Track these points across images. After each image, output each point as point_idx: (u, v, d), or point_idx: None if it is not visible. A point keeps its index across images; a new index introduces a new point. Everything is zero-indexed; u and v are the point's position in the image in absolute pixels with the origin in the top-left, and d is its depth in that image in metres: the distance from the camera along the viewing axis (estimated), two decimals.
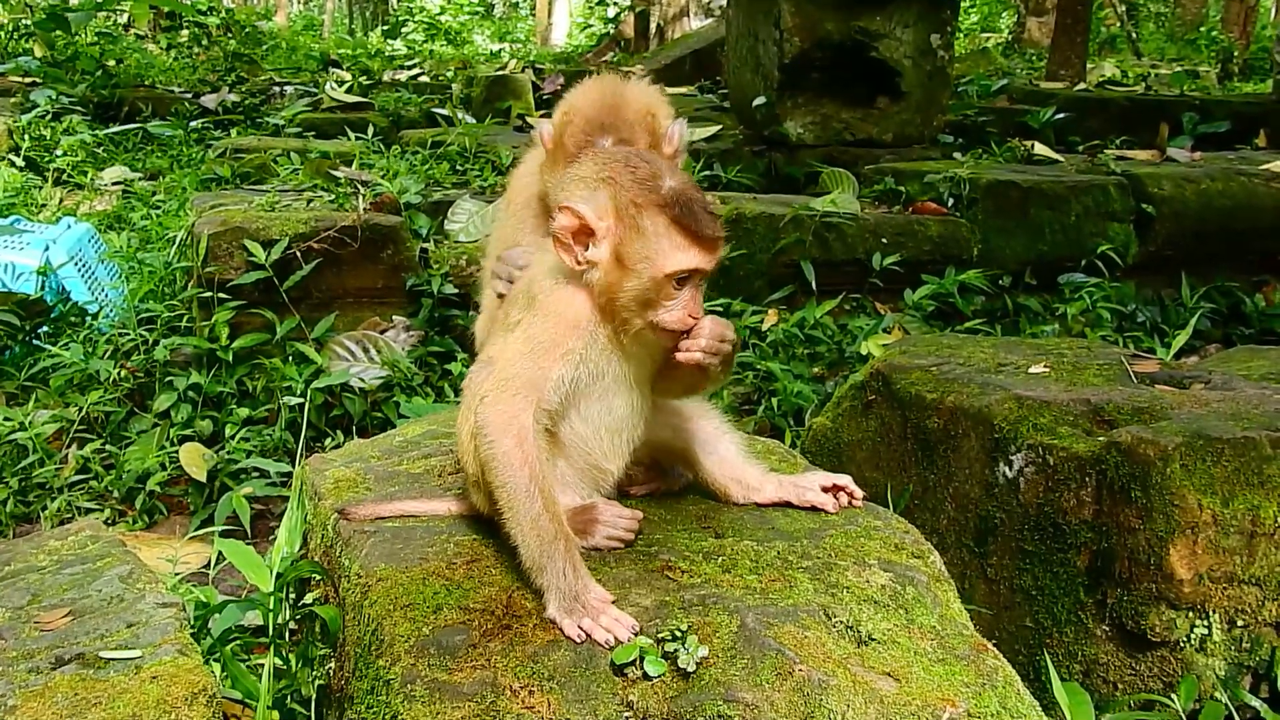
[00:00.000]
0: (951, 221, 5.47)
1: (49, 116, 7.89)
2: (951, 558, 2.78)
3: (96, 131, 7.77)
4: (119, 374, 4.23)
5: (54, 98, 8.13)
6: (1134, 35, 20.39)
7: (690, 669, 1.72)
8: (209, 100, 8.77)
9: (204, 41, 13.05)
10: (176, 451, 3.89)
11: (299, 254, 4.45)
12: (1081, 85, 10.45)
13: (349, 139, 6.65)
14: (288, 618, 2.40)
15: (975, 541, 2.82)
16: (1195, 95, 9.61)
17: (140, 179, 7.16)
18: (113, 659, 1.88)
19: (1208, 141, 7.79)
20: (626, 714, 1.69)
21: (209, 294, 4.38)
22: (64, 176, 7.29)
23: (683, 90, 10.55)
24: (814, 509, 2.26)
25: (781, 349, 4.74)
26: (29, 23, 10.22)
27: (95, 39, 11.01)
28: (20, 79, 9.13)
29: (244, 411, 4.15)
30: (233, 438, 4.03)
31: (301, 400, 4.13)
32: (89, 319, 4.85)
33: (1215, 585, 2.46)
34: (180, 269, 4.94)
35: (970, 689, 1.77)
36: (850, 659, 1.78)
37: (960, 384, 2.98)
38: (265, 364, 4.33)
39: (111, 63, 9.94)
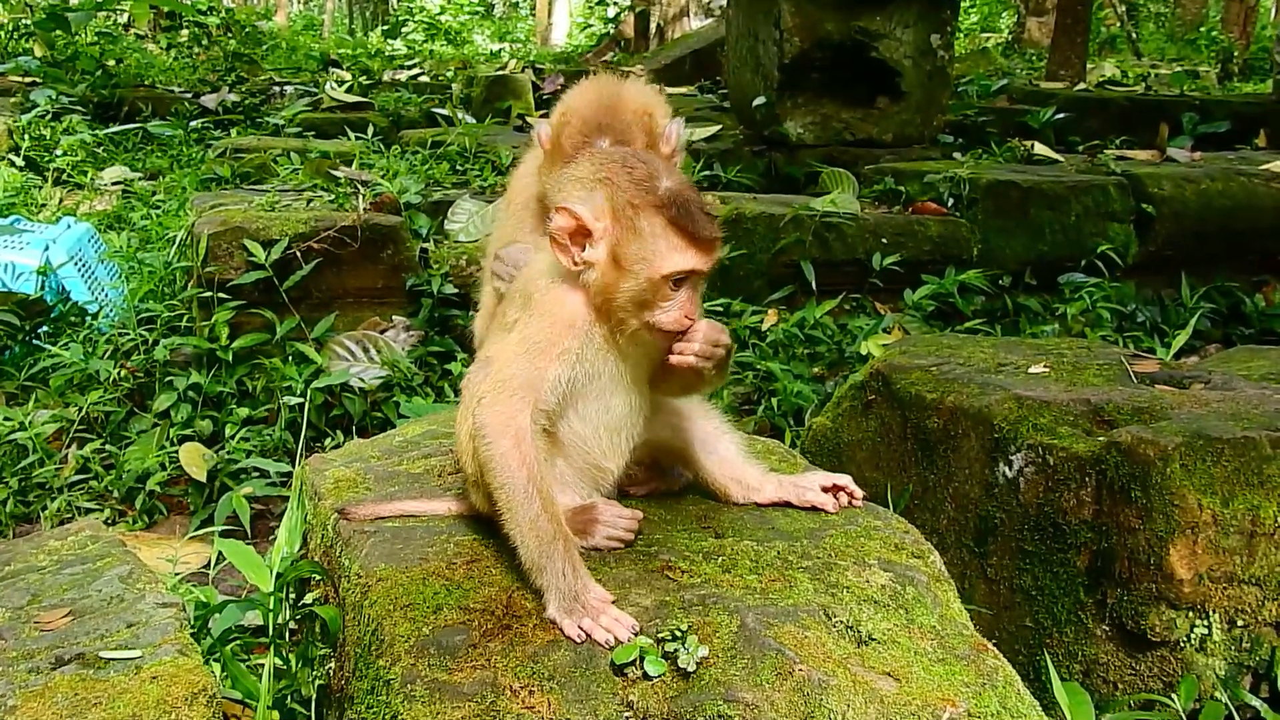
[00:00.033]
0: (951, 221, 5.47)
1: (49, 116, 7.89)
2: (951, 558, 2.78)
3: (96, 131, 7.77)
4: (119, 374, 4.23)
5: (54, 97, 8.13)
6: (1134, 35, 20.39)
7: (690, 669, 1.72)
8: (209, 100, 8.77)
9: (204, 41, 13.05)
10: (176, 451, 3.89)
11: (299, 254, 4.45)
12: (1081, 85, 10.45)
13: (349, 139, 6.65)
14: (288, 618, 2.40)
15: (975, 541, 2.82)
16: (1195, 95, 9.61)
17: (140, 179, 7.16)
18: (113, 659, 1.88)
19: (1208, 141, 7.79)
20: (626, 714, 1.69)
21: (209, 294, 4.38)
22: (64, 176, 7.29)
23: (683, 90, 10.56)
24: (814, 509, 2.26)
25: (781, 349, 4.74)
26: (29, 22, 10.22)
27: (95, 39, 11.01)
28: (20, 79, 9.13)
29: (244, 411, 4.15)
30: (233, 438, 4.03)
31: (301, 400, 4.13)
32: (89, 319, 4.85)
33: (1215, 585, 2.46)
34: (180, 269, 4.94)
35: (970, 689, 1.77)
36: (850, 659, 1.78)
37: (960, 384, 2.98)
38: (265, 364, 4.33)
39: (111, 62, 9.94)
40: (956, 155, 6.50)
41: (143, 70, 10.77)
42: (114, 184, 7.15)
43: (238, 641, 2.42)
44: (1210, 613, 2.47)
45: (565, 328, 1.99)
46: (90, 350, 4.37)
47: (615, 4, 24.60)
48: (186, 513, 3.87)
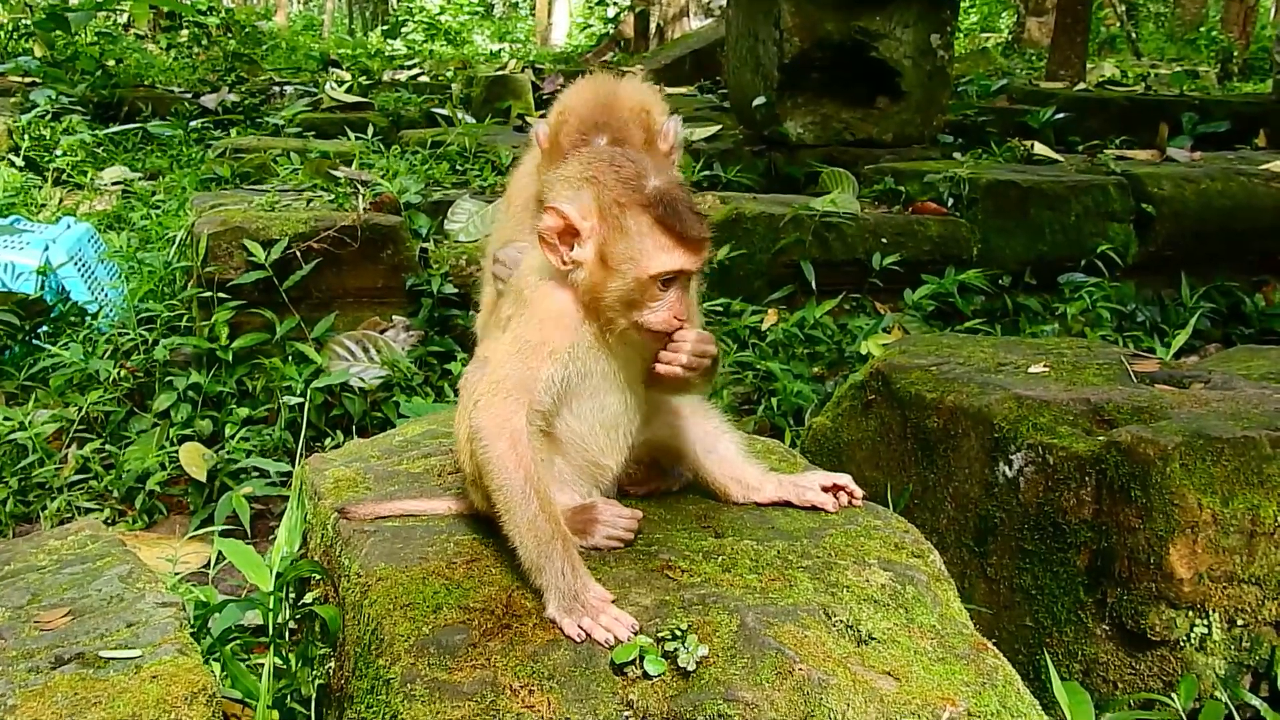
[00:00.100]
0: (951, 221, 5.47)
1: (49, 116, 7.89)
2: (951, 557, 2.78)
3: (96, 131, 7.77)
4: (119, 374, 4.23)
5: (54, 97, 8.13)
6: (1134, 35, 20.39)
7: (690, 668, 1.72)
8: (209, 100, 8.77)
9: (204, 41, 13.05)
10: (176, 451, 3.89)
11: (299, 254, 4.45)
12: (1081, 85, 10.45)
13: (349, 139, 6.65)
14: (287, 617, 2.40)
15: (975, 541, 2.82)
16: (1195, 95, 9.61)
17: (140, 179, 7.16)
18: (112, 658, 1.88)
19: (1207, 141, 7.79)
20: (626, 713, 1.69)
21: (209, 294, 4.38)
22: (64, 176, 7.29)
23: (683, 90, 10.56)
24: (814, 508, 2.26)
25: (781, 349, 4.74)
26: (29, 22, 10.22)
27: (95, 39, 11.01)
28: (20, 79, 9.13)
29: (244, 411, 4.15)
30: (232, 437, 4.03)
31: (301, 400, 4.13)
32: (89, 319, 4.85)
33: (1215, 584, 2.46)
34: (180, 269, 4.94)
35: (970, 688, 1.77)
36: (850, 658, 1.78)
37: (960, 383, 2.98)
38: (265, 364, 4.33)
39: (111, 63, 9.95)
40: (956, 155, 6.51)
41: (142, 70, 10.77)
42: (114, 184, 7.15)
43: (237, 641, 2.42)
44: (1210, 612, 2.47)
45: (555, 326, 1.99)
46: (90, 350, 4.37)
47: (615, 4, 24.60)
48: (186, 512, 3.87)
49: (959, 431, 2.87)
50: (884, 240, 5.27)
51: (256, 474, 3.88)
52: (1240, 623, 2.50)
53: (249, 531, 3.38)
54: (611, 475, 2.17)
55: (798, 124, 6.90)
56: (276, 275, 4.39)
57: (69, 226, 5.29)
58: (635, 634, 1.78)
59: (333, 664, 2.19)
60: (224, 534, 2.92)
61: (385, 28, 29.36)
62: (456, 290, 4.64)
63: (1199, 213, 5.66)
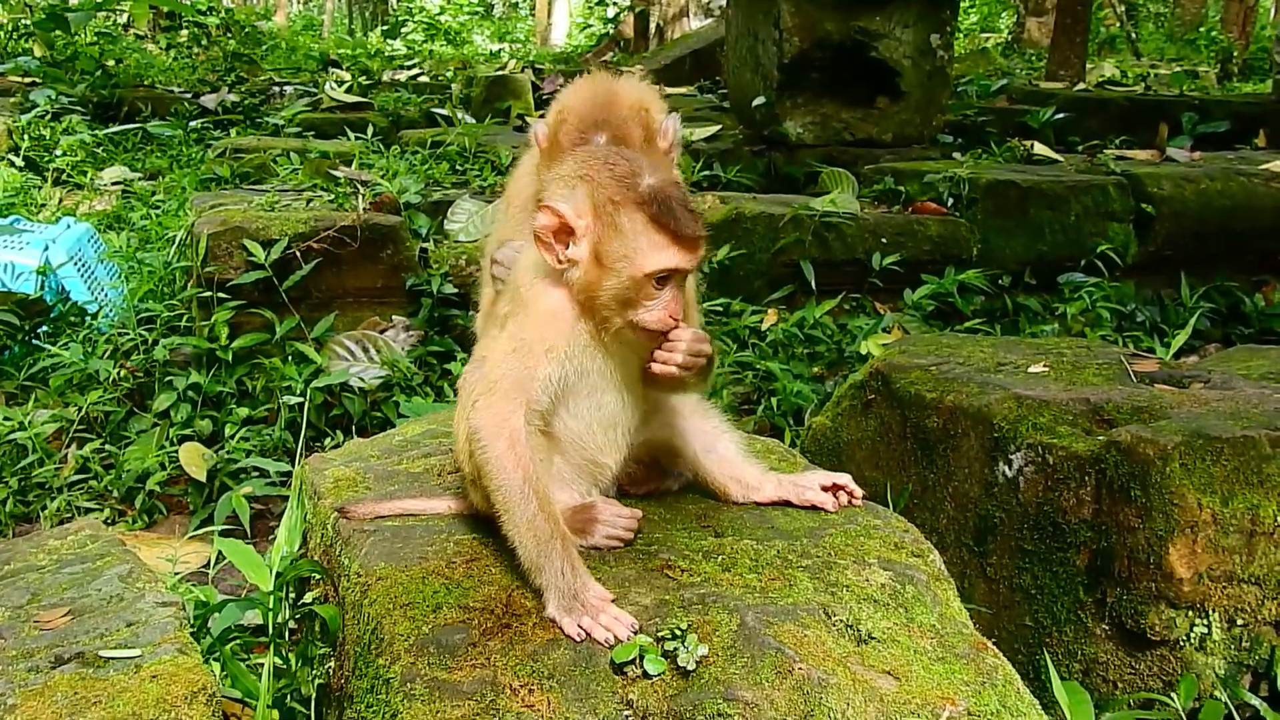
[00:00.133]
0: (951, 221, 5.47)
1: (48, 116, 7.89)
2: (951, 557, 2.78)
3: (96, 131, 7.77)
4: (118, 374, 4.23)
5: (53, 98, 8.13)
6: (1133, 35, 20.39)
7: (690, 667, 1.72)
8: (208, 100, 8.78)
9: (203, 41, 13.06)
10: (176, 451, 3.89)
11: (298, 254, 4.45)
12: (1081, 85, 10.45)
13: (349, 139, 6.66)
14: (287, 617, 2.39)
15: (975, 540, 2.82)
16: (1195, 95, 9.62)
17: (140, 179, 7.16)
18: (112, 658, 1.88)
19: (1207, 141, 7.80)
20: (626, 713, 1.69)
21: (208, 294, 4.38)
22: (63, 176, 7.29)
23: (682, 90, 10.56)
24: (813, 508, 2.26)
25: (781, 349, 4.74)
26: (29, 22, 10.22)
27: (95, 39, 11.01)
28: (20, 79, 9.13)
29: (243, 411, 4.15)
30: (232, 437, 4.03)
31: (301, 400, 4.13)
32: (88, 319, 4.85)
33: (1215, 584, 2.46)
34: (180, 269, 4.94)
35: (970, 687, 1.77)
36: (850, 657, 1.78)
37: (960, 383, 2.98)
38: (265, 364, 4.33)
39: (111, 63, 9.95)
40: (956, 155, 6.51)
41: (142, 70, 10.78)
42: (113, 184, 7.15)
43: (237, 641, 2.42)
44: (1210, 612, 2.47)
45: (551, 325, 1.99)
46: (90, 350, 4.37)
47: (615, 4, 24.60)
48: (186, 512, 3.87)
49: (959, 431, 2.87)
50: (884, 240, 5.27)
51: (256, 474, 3.88)
52: (1240, 622, 2.50)
53: (249, 531, 3.37)
54: (610, 474, 2.17)
55: (797, 124, 6.90)
56: (276, 275, 4.39)
57: (69, 226, 5.29)
58: (635, 633, 1.78)
59: (332, 663, 2.19)
60: (224, 534, 2.92)
61: (385, 28, 29.36)
62: (456, 290, 4.64)
63: (1199, 213, 5.67)
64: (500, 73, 10.78)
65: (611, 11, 24.93)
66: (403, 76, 12.04)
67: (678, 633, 1.76)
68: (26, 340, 4.64)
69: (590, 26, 26.53)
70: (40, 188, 7.16)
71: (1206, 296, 5.50)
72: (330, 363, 4.37)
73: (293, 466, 3.79)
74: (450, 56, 18.33)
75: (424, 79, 11.90)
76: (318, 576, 2.36)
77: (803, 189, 6.40)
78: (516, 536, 1.91)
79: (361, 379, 4.30)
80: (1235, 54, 16.91)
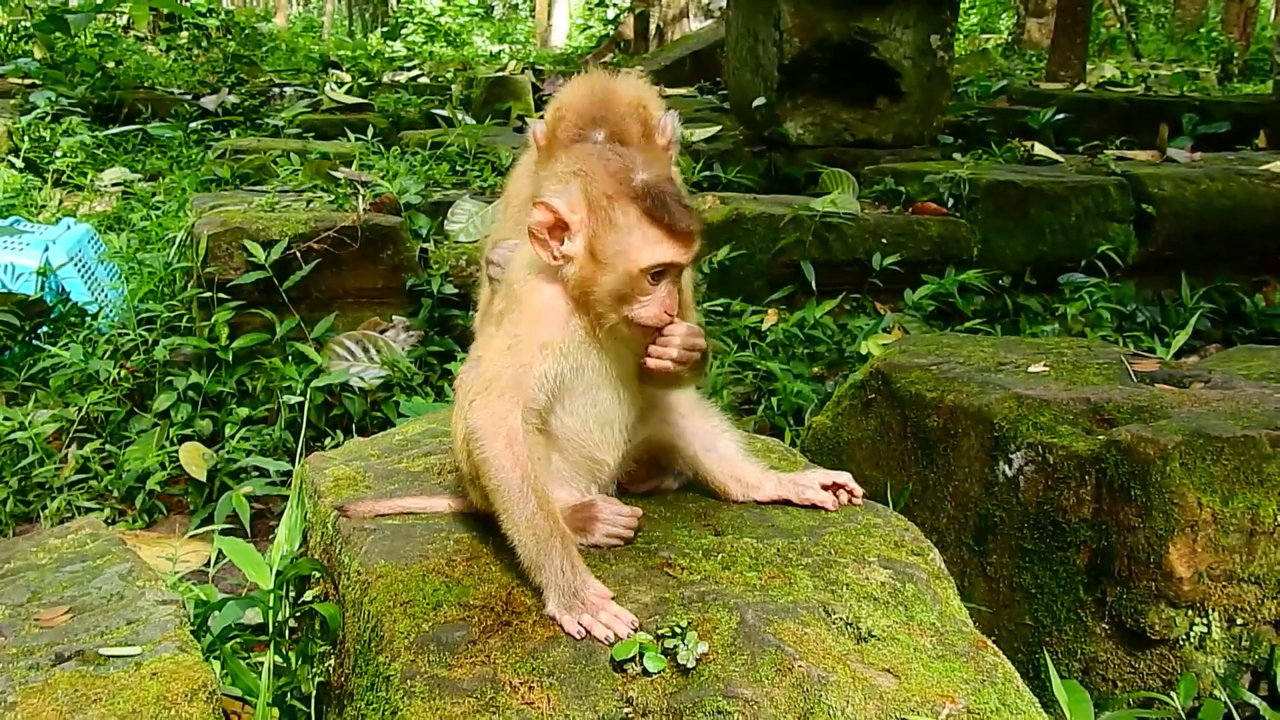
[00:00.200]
0: (951, 222, 5.47)
1: (49, 118, 7.90)
2: (951, 555, 2.78)
3: (96, 133, 7.78)
4: (119, 374, 4.24)
5: (53, 99, 8.13)
6: (1134, 36, 20.40)
7: (690, 665, 1.72)
8: (208, 102, 8.79)
9: (203, 43, 13.07)
10: (176, 451, 3.89)
11: (299, 254, 4.45)
12: (1081, 86, 10.46)
13: (349, 140, 6.66)
14: (287, 615, 2.39)
15: (975, 539, 2.82)
16: (1195, 96, 9.62)
17: (140, 180, 7.17)
18: (113, 656, 1.88)
19: (1208, 142, 7.80)
20: (626, 710, 1.69)
21: (209, 294, 4.38)
22: (64, 178, 7.30)
23: (683, 91, 10.56)
24: (814, 507, 2.26)
25: (781, 349, 4.74)
26: (28, 24, 10.23)
27: (95, 41, 11.01)
28: (20, 80, 9.14)
29: (244, 411, 4.15)
30: (232, 437, 4.03)
31: (301, 400, 4.13)
32: (89, 319, 4.86)
33: (1215, 583, 2.46)
34: (180, 269, 4.94)
35: (970, 685, 1.77)
36: (850, 655, 1.78)
37: (960, 383, 2.98)
38: (265, 364, 4.33)
39: (111, 64, 9.96)
40: (956, 156, 6.51)
41: (142, 72, 10.78)
42: (114, 185, 7.16)
43: (238, 639, 2.42)
44: (1210, 611, 2.47)
45: (546, 321, 1.98)
46: (90, 350, 4.37)
47: (615, 5, 24.60)
48: (186, 512, 3.87)
49: (959, 430, 2.88)
50: (884, 240, 5.27)
51: (256, 473, 3.88)
52: (1240, 622, 2.50)
53: (249, 530, 3.37)
54: (609, 471, 2.17)
55: (798, 125, 6.90)
56: (276, 276, 4.39)
57: (69, 227, 5.29)
58: (635, 631, 1.78)
59: (333, 661, 2.19)
60: (224, 533, 2.92)
61: (385, 29, 29.37)
62: (456, 290, 4.65)
63: (1199, 213, 5.67)
64: (500, 74, 10.79)
65: (611, 13, 24.92)
66: (403, 78, 12.05)
67: (678, 630, 1.76)
68: (27, 341, 4.65)
69: (590, 28, 26.54)
70: (40, 189, 7.16)
71: (1207, 297, 5.50)
72: (330, 363, 4.37)
73: (293, 466, 3.79)
74: (450, 58, 18.34)
75: (424, 80, 11.91)
76: (318, 575, 2.36)
77: (803, 189, 6.40)
78: (515, 535, 1.91)
79: (362, 379, 4.30)
80: (1236, 55, 16.92)
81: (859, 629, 1.84)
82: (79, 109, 8.23)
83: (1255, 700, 2.48)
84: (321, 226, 4.54)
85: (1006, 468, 2.73)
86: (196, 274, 4.46)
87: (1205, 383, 3.00)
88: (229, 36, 13.20)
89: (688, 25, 17.35)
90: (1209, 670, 2.49)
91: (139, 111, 8.43)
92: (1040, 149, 6.46)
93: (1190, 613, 2.47)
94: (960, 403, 2.89)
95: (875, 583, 1.97)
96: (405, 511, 2.28)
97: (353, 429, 4.18)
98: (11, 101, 8.39)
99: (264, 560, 2.33)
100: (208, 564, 3.23)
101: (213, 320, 4.31)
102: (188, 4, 12.50)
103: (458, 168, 6.10)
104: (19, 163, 7.34)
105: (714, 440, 2.27)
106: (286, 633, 2.40)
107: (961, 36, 19.96)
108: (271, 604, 2.28)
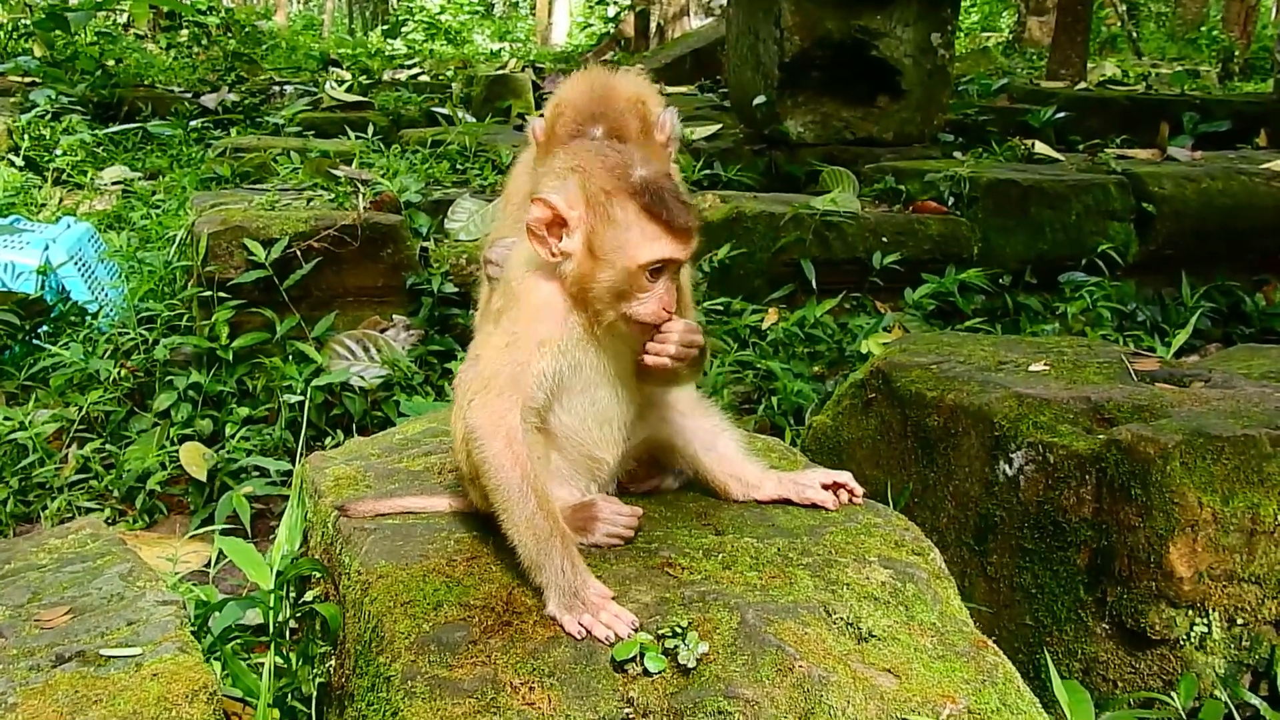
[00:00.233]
0: (952, 220, 5.46)
1: (48, 116, 7.90)
2: (951, 555, 2.78)
3: (96, 131, 7.77)
4: (119, 373, 4.23)
5: (53, 97, 8.13)
6: (1135, 35, 20.39)
7: (690, 665, 1.72)
8: (209, 100, 8.78)
9: (204, 41, 13.05)
10: (176, 451, 3.89)
11: (299, 253, 4.45)
12: (1082, 84, 10.45)
13: (349, 138, 6.66)
14: (288, 615, 2.39)
15: (975, 539, 2.82)
16: (1196, 95, 9.61)
17: (140, 178, 7.16)
18: (113, 656, 1.88)
19: (1208, 141, 7.79)
20: (627, 710, 1.69)
21: (209, 293, 4.38)
22: (64, 176, 7.29)
23: (683, 89, 10.56)
24: (814, 506, 2.26)
25: (781, 348, 4.74)
26: (28, 22, 10.22)
27: (95, 39, 11.01)
28: (20, 78, 9.13)
29: (244, 410, 4.15)
30: (233, 437, 4.03)
31: (301, 399, 4.13)
32: (89, 318, 4.86)
33: (1215, 583, 2.46)
34: (180, 268, 4.94)
35: (970, 685, 1.77)
36: (850, 655, 1.78)
37: (960, 382, 2.98)
38: (265, 363, 4.33)
39: (111, 62, 9.95)
40: (957, 154, 6.51)
41: (142, 70, 10.78)
42: (114, 184, 7.16)
43: (238, 639, 2.42)
44: (1210, 611, 2.47)
45: (543, 318, 1.98)
46: (90, 350, 4.37)
47: (615, 3, 24.58)
48: (187, 512, 3.87)
49: (959, 430, 2.87)
50: (884, 239, 5.27)
51: (257, 473, 3.88)
52: (1240, 621, 2.50)
53: (249, 530, 3.37)
54: (608, 469, 2.17)
55: (798, 123, 6.90)
56: (277, 274, 4.39)
57: (69, 226, 5.29)
58: (635, 631, 1.78)
59: (333, 662, 2.19)
60: (224, 533, 2.92)
61: (385, 27, 29.36)
62: (457, 289, 4.65)
63: (1199, 212, 5.66)
64: (501, 72, 10.78)
65: (612, 10, 24.91)
66: (403, 76, 12.04)
67: (678, 630, 1.76)
68: (27, 340, 4.64)
69: (591, 26, 26.52)
70: (40, 187, 7.16)
71: (1207, 296, 5.50)
72: (331, 362, 4.37)
73: (293, 466, 3.79)
74: (450, 56, 18.33)
75: (424, 78, 11.90)
76: (318, 575, 2.36)
77: (803, 188, 6.40)
78: (516, 535, 1.91)
79: (362, 378, 4.30)
80: (1236, 53, 16.92)
81: (859, 629, 1.84)
82: (79, 107, 8.23)
83: (1256, 700, 2.48)
84: (322, 225, 4.54)
85: (1007, 467, 2.73)
86: (197, 273, 4.46)
87: (1205, 382, 3.00)
88: (229, 34, 13.19)
89: (688, 23, 17.34)
90: (1209, 670, 2.49)
91: (139, 110, 8.42)
92: (1041, 147, 6.45)
93: (1191, 613, 2.47)
94: (960, 402, 2.89)
95: (876, 582, 1.97)
96: (406, 511, 2.28)
97: (353, 428, 4.18)
98: (11, 100, 8.38)
99: (264, 560, 2.33)
100: (208, 564, 3.23)
101: (213, 319, 4.31)
102: (188, 2, 12.49)
103: (458, 166, 6.10)
104: (19, 161, 7.34)
105: (714, 439, 2.27)
106: (287, 633, 2.40)
107: (962, 35, 19.95)
108: (272, 604, 2.28)
